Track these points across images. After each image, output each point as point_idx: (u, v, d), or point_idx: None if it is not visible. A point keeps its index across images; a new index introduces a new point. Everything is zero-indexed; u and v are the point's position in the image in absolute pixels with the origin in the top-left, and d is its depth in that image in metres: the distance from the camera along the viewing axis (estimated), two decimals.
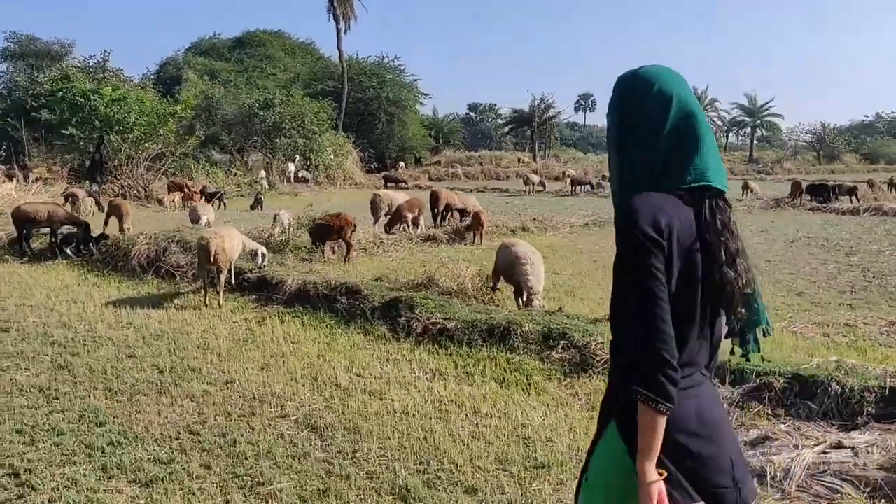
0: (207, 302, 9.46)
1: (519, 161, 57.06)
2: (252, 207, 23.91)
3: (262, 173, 34.12)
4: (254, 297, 9.76)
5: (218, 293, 9.53)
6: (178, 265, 11.07)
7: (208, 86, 45.16)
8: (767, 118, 79.99)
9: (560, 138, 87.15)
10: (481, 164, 56.72)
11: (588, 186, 34.38)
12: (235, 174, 32.16)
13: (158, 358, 7.13)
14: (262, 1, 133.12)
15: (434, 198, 17.37)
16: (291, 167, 36.17)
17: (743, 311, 2.08)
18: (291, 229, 13.94)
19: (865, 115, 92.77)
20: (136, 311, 9.12)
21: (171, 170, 28.62)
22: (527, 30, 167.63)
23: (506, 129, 70.44)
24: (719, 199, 2.07)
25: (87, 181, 27.54)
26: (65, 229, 13.27)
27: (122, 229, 13.65)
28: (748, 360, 2.26)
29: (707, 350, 2.08)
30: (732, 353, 2.26)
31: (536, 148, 62.09)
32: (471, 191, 37.48)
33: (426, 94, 57.91)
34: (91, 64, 39.77)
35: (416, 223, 16.05)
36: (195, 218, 14.18)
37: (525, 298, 8.45)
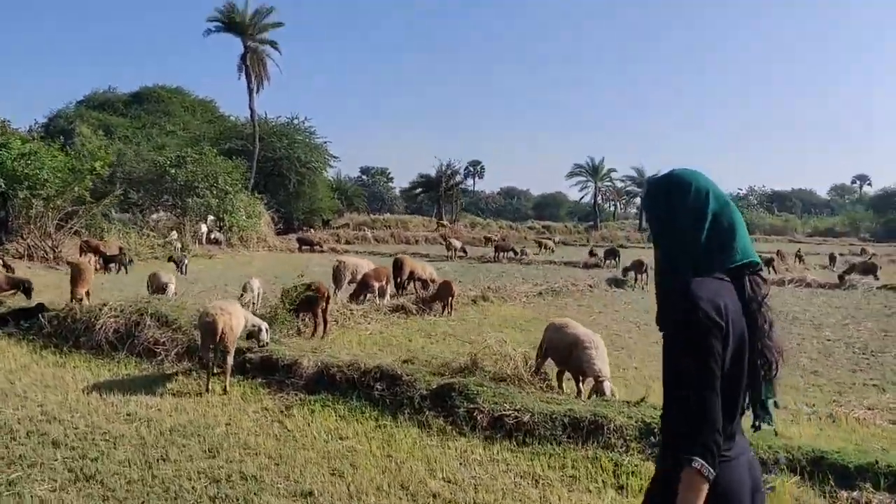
0: (210, 387, 8.29)
1: (439, 225, 56.70)
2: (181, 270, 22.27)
3: (174, 234, 32.35)
4: (261, 380, 8.64)
5: (223, 377, 8.39)
6: (157, 342, 9.79)
7: (107, 142, 43.03)
8: None
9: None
10: (388, 227, 56.20)
11: (511, 253, 34.19)
12: (148, 235, 30.26)
13: (200, 462, 6.00)
14: (158, 56, 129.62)
15: (398, 266, 16.56)
16: (204, 228, 34.47)
17: (770, 385, 2.35)
18: (261, 298, 12.83)
19: (739, 189, 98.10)
20: (130, 399, 7.87)
21: (81, 230, 26.58)
22: (426, 94, 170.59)
23: (416, 192, 70.13)
24: (758, 274, 2.36)
25: None
26: None
27: (76, 297, 12.11)
28: (757, 429, 2.44)
29: (739, 412, 2.30)
30: (755, 427, 2.43)
31: (443, 212, 61.99)
32: (391, 255, 36.96)
33: (335, 157, 57.14)
34: None
35: (382, 293, 15.16)
36: (160, 286, 12.71)
37: (592, 385, 7.73)
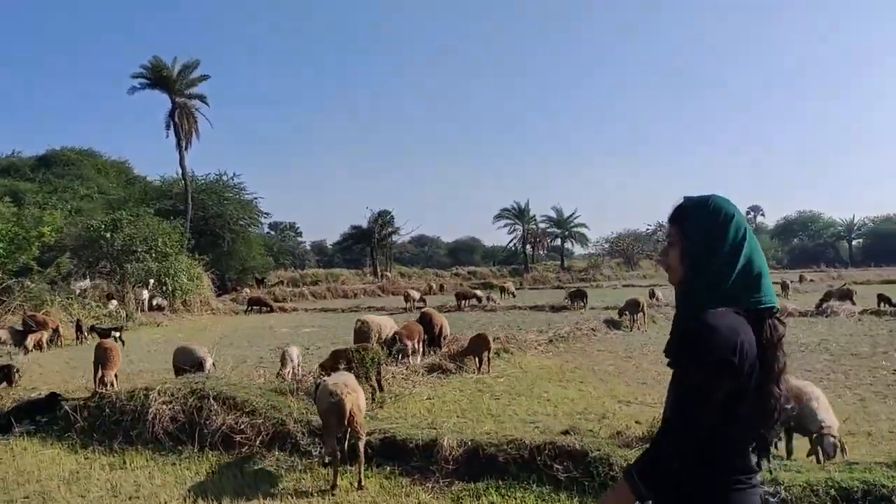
0: (337, 482, 6.87)
1: (382, 276, 55.18)
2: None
3: (114, 303, 29.97)
4: (391, 467, 7.26)
5: (357, 468, 6.99)
6: (233, 429, 8.26)
7: (12, 209, 40.13)
8: (575, 228, 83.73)
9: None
10: (318, 282, 54.31)
11: (475, 300, 33.15)
12: (92, 305, 27.88)
13: None
14: (60, 117, 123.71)
15: (428, 321, 15.24)
16: (145, 294, 32.15)
17: (779, 428, 2.74)
18: (300, 368, 11.37)
19: (648, 225, 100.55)
20: None
21: (23, 303, 24.13)
22: (316, 150, 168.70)
23: (347, 243, 68.39)
24: (776, 317, 2.30)
25: None
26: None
27: (106, 382, 10.29)
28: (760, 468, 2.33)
29: (748, 457, 2.28)
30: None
31: (377, 264, 60.56)
32: (343, 310, 35.37)
33: (267, 213, 55.19)
34: None
35: (415, 352, 13.86)
36: (194, 361, 10.96)
37: (814, 441, 6.68)
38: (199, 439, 8.28)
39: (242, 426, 8.25)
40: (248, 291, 45.52)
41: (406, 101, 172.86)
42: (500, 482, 6.59)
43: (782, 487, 5.60)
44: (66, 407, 9.45)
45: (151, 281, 33.05)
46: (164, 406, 8.77)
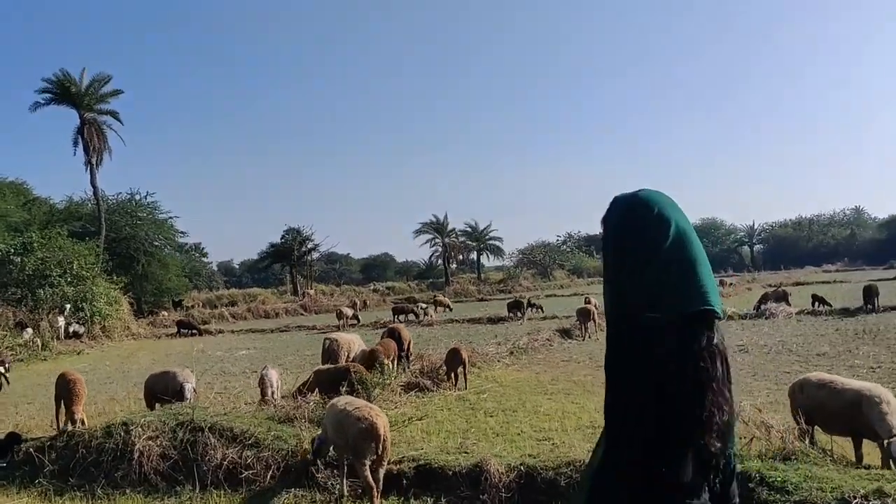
0: None
1: (302, 294, 53.63)
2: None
3: (28, 331, 27.99)
4: (432, 498, 6.56)
5: (376, 501, 6.28)
6: (236, 464, 7.39)
7: None
8: (490, 241, 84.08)
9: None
10: (235, 303, 52.46)
11: (412, 315, 32.48)
12: (5, 335, 25.90)
13: None
14: None
15: (397, 336, 14.48)
16: (61, 321, 30.17)
17: (718, 444, 1.96)
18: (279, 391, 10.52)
19: (558, 236, 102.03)
20: None
21: None
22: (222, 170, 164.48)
23: (266, 262, 66.40)
24: (716, 321, 2.04)
25: None
26: None
27: (74, 418, 9.13)
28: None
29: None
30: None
31: (297, 281, 59.03)
32: (272, 331, 34.09)
33: (183, 232, 52.95)
34: None
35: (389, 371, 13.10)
36: (174, 389, 9.83)
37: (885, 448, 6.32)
38: (198, 478, 7.38)
39: (248, 460, 7.39)
40: (166, 314, 43.59)
41: (305, 113, 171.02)
42: None
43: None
44: (30, 449, 8.34)
45: (68, 306, 31.07)
46: (151, 442, 7.82)
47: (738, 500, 2.13)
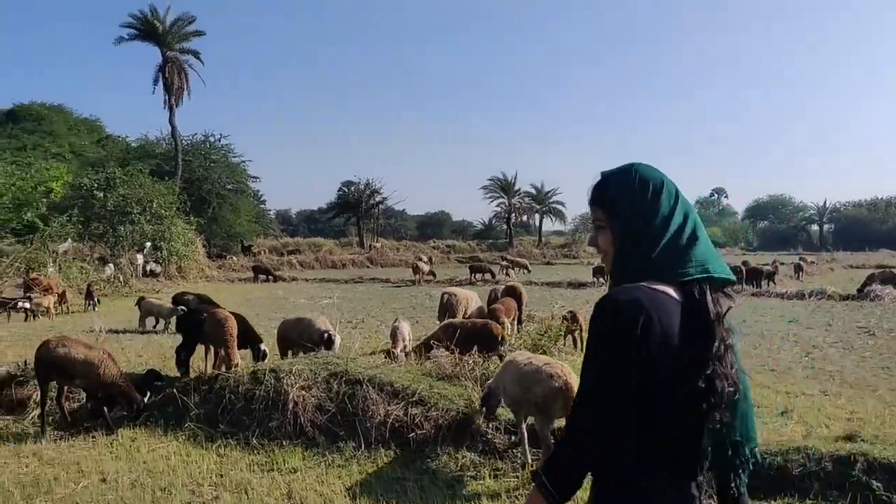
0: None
1: (369, 246, 53.38)
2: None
3: (110, 267, 28.06)
4: None
5: None
6: (408, 423, 6.83)
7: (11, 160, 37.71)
8: (553, 204, 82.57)
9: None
10: (299, 251, 52.36)
11: (489, 274, 31.83)
12: (90, 270, 25.96)
13: None
14: (28, 69, 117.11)
15: (518, 295, 13.81)
16: (140, 259, 30.24)
17: (727, 415, 1.92)
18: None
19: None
20: None
21: (20, 265, 22.14)
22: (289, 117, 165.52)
23: (333, 212, 66.24)
24: (721, 288, 2.05)
25: None
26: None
27: (232, 360, 8.66)
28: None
29: (696, 458, 1.94)
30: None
31: (364, 234, 58.80)
32: (346, 281, 33.74)
33: (255, 177, 52.95)
34: None
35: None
36: (312, 335, 9.15)
37: None
38: (362, 433, 6.83)
39: (417, 419, 6.81)
40: (235, 259, 43.63)
41: (373, 68, 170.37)
42: (806, 502, 5.27)
43: None
44: (174, 390, 7.88)
45: (148, 244, 31.12)
46: (304, 392, 7.29)
47: (743, 492, 2.03)
